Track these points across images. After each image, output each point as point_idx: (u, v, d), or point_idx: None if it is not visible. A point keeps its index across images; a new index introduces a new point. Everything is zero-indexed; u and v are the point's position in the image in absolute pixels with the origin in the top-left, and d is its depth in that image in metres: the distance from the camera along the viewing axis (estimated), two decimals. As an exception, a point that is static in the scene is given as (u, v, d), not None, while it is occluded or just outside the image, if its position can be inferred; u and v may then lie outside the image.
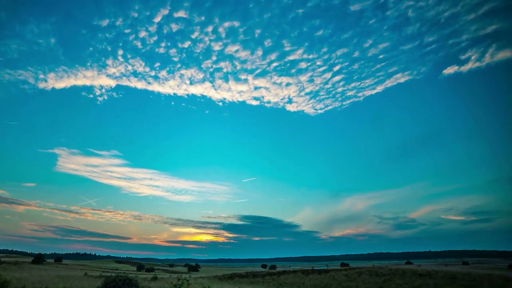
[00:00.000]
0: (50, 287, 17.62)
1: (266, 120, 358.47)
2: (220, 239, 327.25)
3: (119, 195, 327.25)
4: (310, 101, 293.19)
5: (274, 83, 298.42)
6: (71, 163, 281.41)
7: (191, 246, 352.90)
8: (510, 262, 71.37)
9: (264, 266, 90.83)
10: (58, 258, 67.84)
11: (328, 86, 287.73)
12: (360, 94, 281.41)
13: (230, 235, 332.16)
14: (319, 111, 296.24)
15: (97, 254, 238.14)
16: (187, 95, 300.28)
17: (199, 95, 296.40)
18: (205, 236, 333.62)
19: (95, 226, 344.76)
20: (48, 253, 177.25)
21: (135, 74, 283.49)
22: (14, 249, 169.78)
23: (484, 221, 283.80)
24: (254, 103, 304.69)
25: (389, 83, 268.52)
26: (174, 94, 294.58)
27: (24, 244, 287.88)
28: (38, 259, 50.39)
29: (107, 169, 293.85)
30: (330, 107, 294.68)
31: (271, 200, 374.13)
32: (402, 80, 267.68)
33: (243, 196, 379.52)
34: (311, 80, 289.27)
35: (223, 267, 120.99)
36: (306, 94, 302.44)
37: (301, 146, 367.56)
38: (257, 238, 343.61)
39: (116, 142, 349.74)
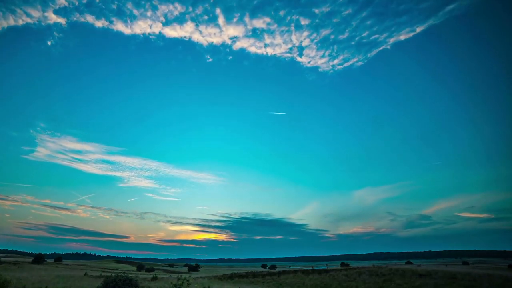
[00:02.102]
0: (50, 287, 17.62)
1: (268, 81, 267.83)
2: (220, 238, 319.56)
3: (111, 190, 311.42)
4: (327, 52, 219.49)
5: (280, 21, 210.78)
6: (50, 150, 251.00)
7: (190, 245, 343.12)
8: (510, 262, 71.36)
9: (264, 266, 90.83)
10: (58, 258, 67.84)
11: (350, 28, 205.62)
12: (391, 40, 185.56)
13: (231, 234, 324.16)
14: (338, 67, 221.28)
15: (97, 254, 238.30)
16: (163, 38, 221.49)
17: (179, 38, 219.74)
18: (203, 235, 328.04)
19: (89, 224, 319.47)
20: (47, 252, 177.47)
21: (90, 5, 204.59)
22: (7, 248, 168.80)
23: (501, 220, 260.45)
24: (253, 50, 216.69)
25: (433, 20, 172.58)
26: (145, 35, 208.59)
27: (17, 243, 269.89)
28: (38, 259, 50.38)
29: (92, 157, 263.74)
30: (350, 62, 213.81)
31: (273, 193, 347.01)
32: (456, 13, 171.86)
33: (241, 190, 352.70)
34: (328, 17, 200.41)
35: (223, 267, 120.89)
36: (321, 41, 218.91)
37: (309, 129, 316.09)
38: (258, 237, 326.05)
39: (90, 118, 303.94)
